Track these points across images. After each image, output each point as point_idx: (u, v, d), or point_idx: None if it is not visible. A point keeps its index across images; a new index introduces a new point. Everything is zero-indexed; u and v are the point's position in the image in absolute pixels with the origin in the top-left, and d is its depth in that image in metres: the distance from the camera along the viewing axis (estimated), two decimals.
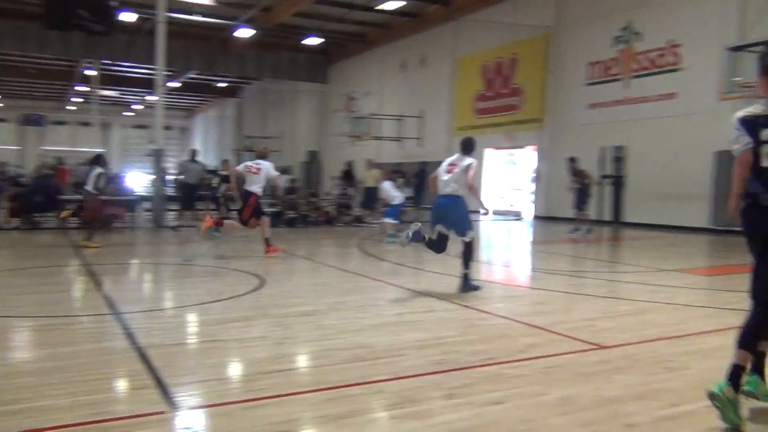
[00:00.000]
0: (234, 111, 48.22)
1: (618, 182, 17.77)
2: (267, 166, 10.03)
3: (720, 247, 12.99)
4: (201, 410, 3.44)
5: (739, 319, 5.78)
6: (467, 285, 7.16)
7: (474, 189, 7.15)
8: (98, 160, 11.59)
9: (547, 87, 20.92)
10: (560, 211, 19.79)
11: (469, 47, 24.32)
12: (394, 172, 19.77)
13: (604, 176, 17.63)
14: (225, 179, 15.78)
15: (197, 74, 36.02)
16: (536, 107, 21.32)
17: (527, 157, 22.20)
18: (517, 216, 21.31)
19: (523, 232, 17.62)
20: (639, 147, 17.38)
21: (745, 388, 3.48)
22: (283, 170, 21.64)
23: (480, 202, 7.49)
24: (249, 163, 10.21)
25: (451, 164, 7.24)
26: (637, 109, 17.78)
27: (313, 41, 29.74)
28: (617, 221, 17.66)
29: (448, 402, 3.56)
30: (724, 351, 4.71)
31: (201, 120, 57.31)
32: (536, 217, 20.88)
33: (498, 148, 23.15)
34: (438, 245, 7.23)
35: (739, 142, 3.81)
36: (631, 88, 18.02)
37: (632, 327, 5.58)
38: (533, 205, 21.52)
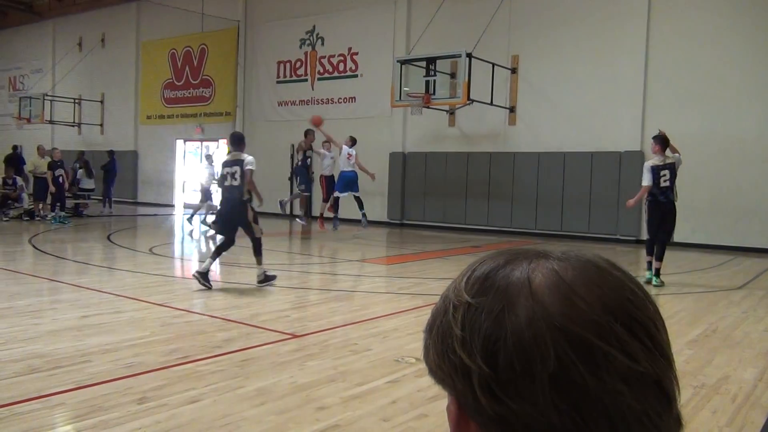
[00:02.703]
0: None
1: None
2: None
3: (396, 238, 14.54)
4: None
5: (411, 302, 6.60)
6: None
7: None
8: None
9: (238, 81, 21.00)
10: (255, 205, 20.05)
11: (156, 32, 23.13)
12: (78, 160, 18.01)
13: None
14: None
15: None
16: (227, 101, 21.25)
17: (219, 151, 22.01)
18: (212, 210, 20.98)
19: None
20: None
21: None
22: None
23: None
24: None
25: (349, 154, 12.95)
26: (322, 109, 18.84)
27: None
28: (309, 215, 18.52)
29: (140, 407, 3.38)
30: (399, 332, 5.32)
31: None
32: None
33: (189, 140, 22.55)
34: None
35: (645, 178, 7.86)
36: (316, 90, 19.06)
37: (322, 315, 5.94)
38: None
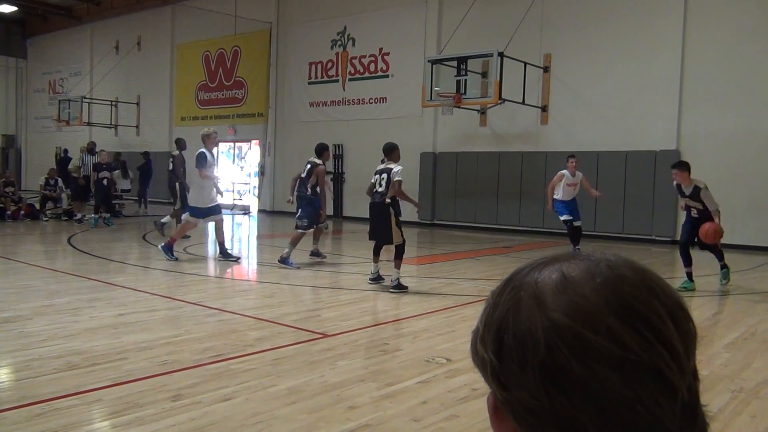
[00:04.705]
0: None
1: (337, 178, 18.77)
2: None
3: (427, 239, 14.50)
4: None
5: (441, 302, 6.58)
6: None
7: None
8: None
9: (270, 82, 21.18)
10: (286, 205, 20.21)
11: (190, 35, 23.47)
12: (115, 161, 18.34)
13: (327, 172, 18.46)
14: None
15: None
16: (259, 102, 21.46)
17: (252, 152, 22.25)
18: (245, 210, 21.25)
19: (250, 225, 17.66)
20: (356, 146, 18.54)
21: None
22: None
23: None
24: None
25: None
26: (353, 110, 18.93)
27: (4, 8, 25.96)
28: (338, 215, 18.65)
29: (175, 404, 3.43)
30: (430, 332, 5.31)
31: None
32: (262, 211, 21.07)
33: (222, 141, 22.82)
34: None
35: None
36: (347, 90, 19.13)
37: (353, 315, 5.96)
38: (258, 199, 21.67)
